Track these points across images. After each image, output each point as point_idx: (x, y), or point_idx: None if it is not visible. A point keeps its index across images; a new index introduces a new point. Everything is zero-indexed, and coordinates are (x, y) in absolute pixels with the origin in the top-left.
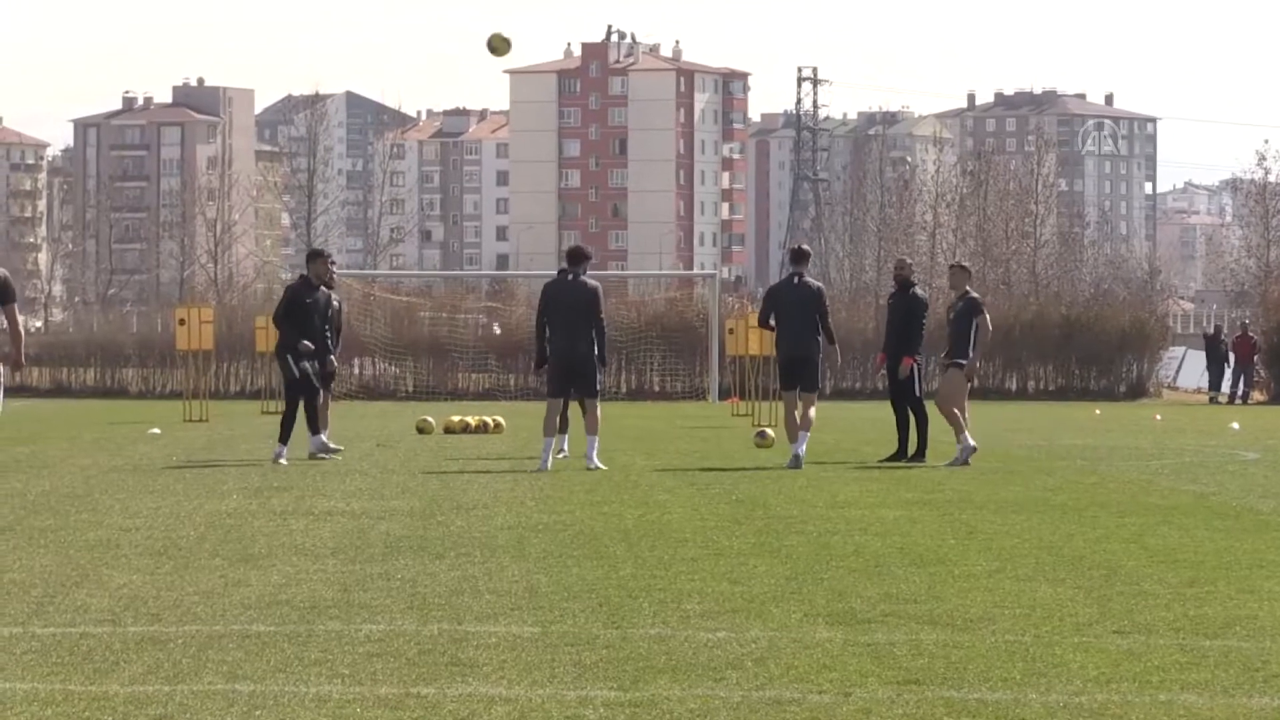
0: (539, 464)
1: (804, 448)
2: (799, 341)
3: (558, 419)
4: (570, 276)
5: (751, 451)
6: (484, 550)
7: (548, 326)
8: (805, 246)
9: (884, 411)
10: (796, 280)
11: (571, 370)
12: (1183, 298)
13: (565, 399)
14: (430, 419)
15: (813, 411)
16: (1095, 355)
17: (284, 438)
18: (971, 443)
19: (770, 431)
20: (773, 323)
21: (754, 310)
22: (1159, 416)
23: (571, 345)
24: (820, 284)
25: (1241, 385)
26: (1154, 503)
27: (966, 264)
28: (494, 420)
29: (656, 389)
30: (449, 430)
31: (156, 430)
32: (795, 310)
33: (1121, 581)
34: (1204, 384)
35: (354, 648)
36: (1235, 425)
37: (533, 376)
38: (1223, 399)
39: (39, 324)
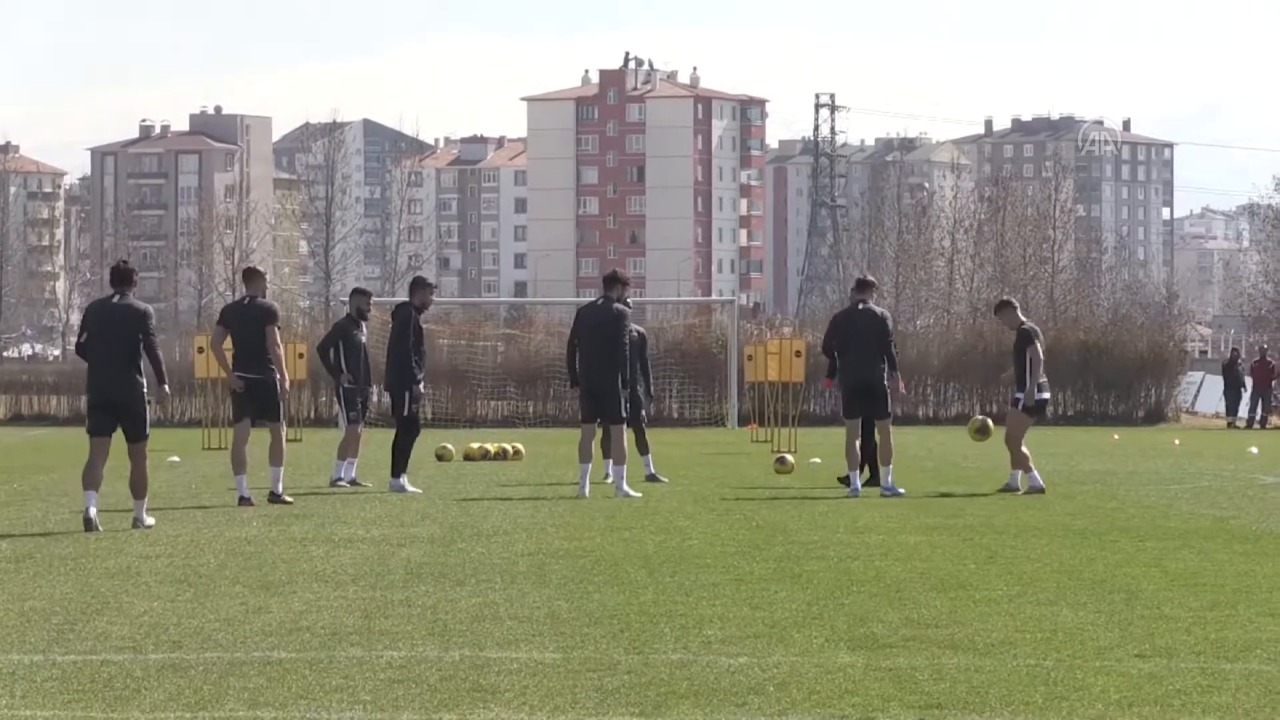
0: (577, 491)
1: (891, 478)
2: (868, 369)
3: (592, 445)
4: (601, 301)
5: (771, 477)
6: (505, 577)
7: (578, 350)
8: (870, 277)
9: (901, 437)
10: (861, 307)
11: (594, 394)
12: (1200, 323)
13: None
14: (450, 446)
15: (891, 439)
16: (1113, 380)
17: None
18: (1017, 484)
19: (790, 457)
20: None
21: (774, 337)
22: (1177, 441)
23: (592, 368)
24: (886, 311)
25: (1260, 410)
26: (1174, 527)
27: (1009, 298)
28: (513, 447)
29: (675, 415)
30: (469, 457)
31: (176, 458)
32: (862, 338)
33: (1142, 605)
34: (1222, 409)
35: (375, 674)
36: (1254, 449)
37: (551, 404)
38: (1241, 423)
39: (57, 352)
